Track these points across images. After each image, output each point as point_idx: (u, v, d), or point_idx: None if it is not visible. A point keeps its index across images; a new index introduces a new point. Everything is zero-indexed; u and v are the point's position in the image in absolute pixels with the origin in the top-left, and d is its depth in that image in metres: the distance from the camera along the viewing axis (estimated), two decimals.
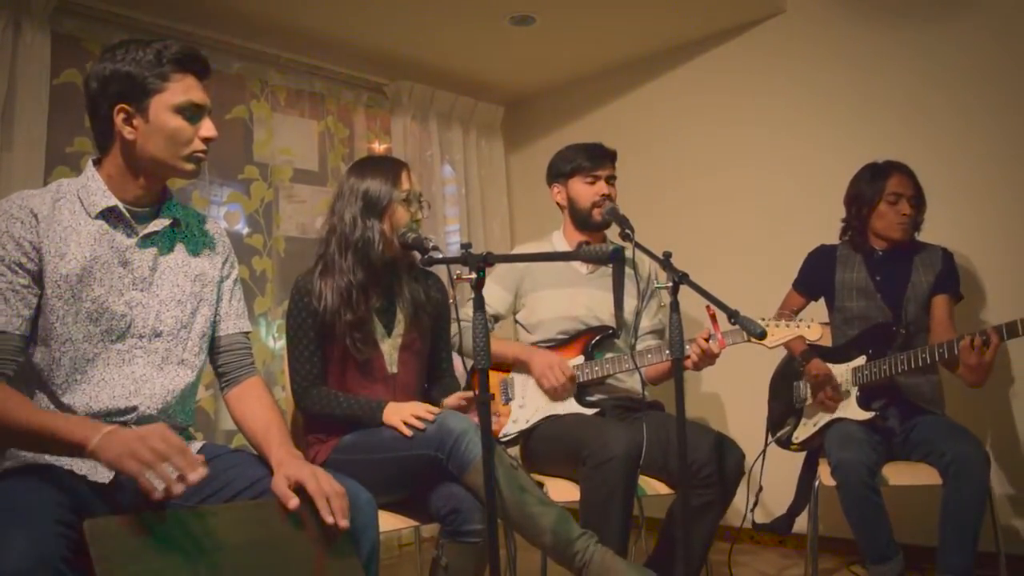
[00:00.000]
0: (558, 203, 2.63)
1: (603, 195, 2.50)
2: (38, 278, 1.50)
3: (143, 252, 1.60)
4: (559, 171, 2.60)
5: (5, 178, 2.67)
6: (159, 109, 1.55)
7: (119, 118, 1.55)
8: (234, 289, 1.78)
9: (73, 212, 1.55)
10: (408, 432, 1.88)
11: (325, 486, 1.48)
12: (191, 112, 1.57)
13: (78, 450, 1.34)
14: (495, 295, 2.58)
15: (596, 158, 2.54)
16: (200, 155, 1.61)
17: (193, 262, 1.69)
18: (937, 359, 2.32)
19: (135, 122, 1.55)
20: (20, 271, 1.48)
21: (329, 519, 1.45)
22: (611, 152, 2.59)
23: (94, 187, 1.58)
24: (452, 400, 2.06)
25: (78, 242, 1.53)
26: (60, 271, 1.50)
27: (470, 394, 2.04)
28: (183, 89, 1.56)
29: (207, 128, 1.60)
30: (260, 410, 1.70)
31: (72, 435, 1.34)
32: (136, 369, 1.57)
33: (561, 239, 2.65)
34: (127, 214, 1.59)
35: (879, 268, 2.61)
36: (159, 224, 1.63)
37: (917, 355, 2.34)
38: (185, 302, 1.65)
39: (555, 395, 2.42)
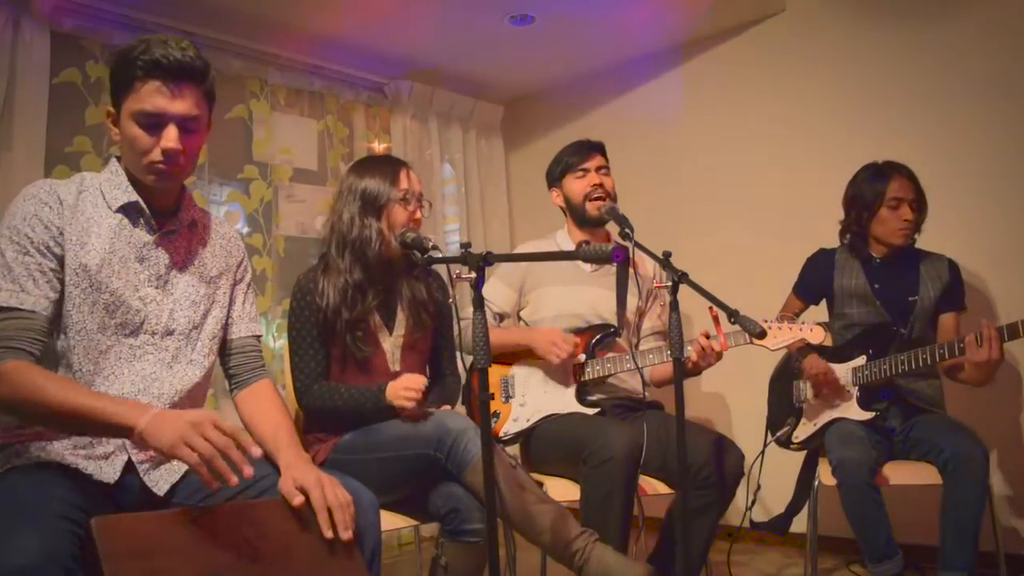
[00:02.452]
0: (559, 206, 2.64)
1: (594, 185, 2.51)
2: (63, 263, 1.50)
3: (160, 250, 1.61)
4: (552, 175, 2.62)
5: (5, 178, 2.67)
6: (124, 115, 1.52)
7: (108, 120, 1.56)
8: (247, 292, 1.78)
9: (95, 204, 1.56)
10: (410, 405, 1.89)
11: (330, 496, 1.48)
12: (147, 120, 1.50)
13: (125, 432, 1.35)
14: (500, 293, 2.58)
15: (581, 152, 2.56)
16: (160, 167, 1.52)
17: (208, 263, 1.69)
18: (937, 359, 2.31)
19: (117, 125, 1.55)
20: (48, 254, 1.49)
21: (328, 534, 1.45)
22: (596, 143, 2.60)
23: (117, 181, 1.58)
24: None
25: (98, 234, 1.53)
26: (80, 260, 1.51)
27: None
28: (140, 96, 1.49)
29: (166, 139, 1.50)
30: (269, 412, 1.70)
31: (117, 417, 1.35)
32: (146, 366, 1.57)
33: (565, 237, 2.65)
34: (147, 211, 1.59)
35: (878, 275, 2.60)
36: (177, 223, 1.64)
37: (917, 355, 2.33)
38: (199, 302, 1.65)
39: (563, 367, 2.41)
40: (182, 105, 1.51)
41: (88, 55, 2.94)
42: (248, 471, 1.34)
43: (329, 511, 1.48)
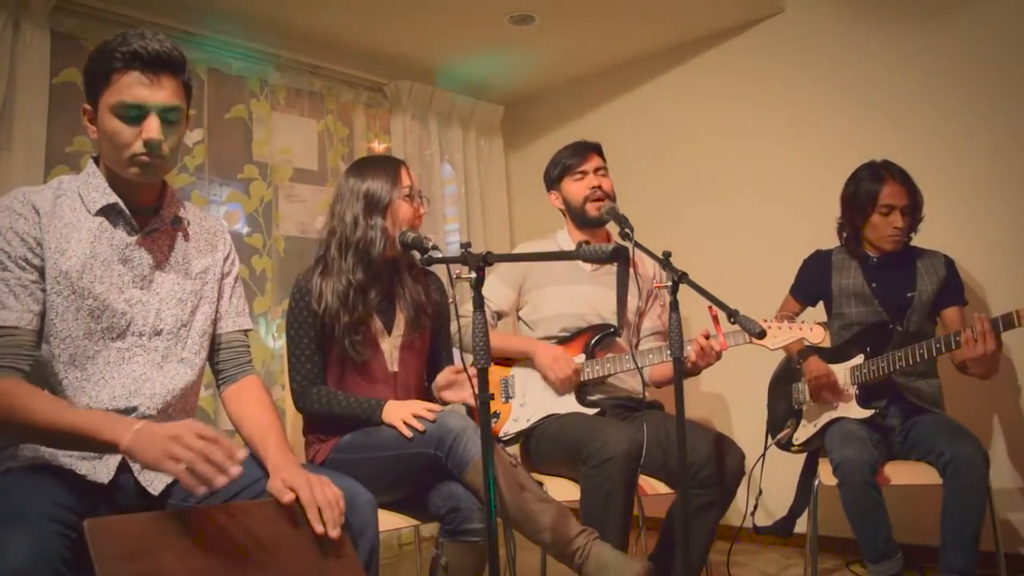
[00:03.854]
0: (559, 208, 2.65)
1: (593, 187, 2.52)
2: (43, 274, 1.49)
3: (143, 250, 1.59)
4: (551, 177, 2.63)
5: (5, 178, 2.67)
6: (102, 110, 1.49)
7: (85, 119, 1.54)
8: (235, 286, 1.76)
9: (74, 209, 1.54)
10: (408, 432, 1.88)
11: (318, 495, 1.46)
12: (128, 112, 1.47)
13: (111, 449, 1.35)
14: (499, 292, 2.58)
15: (579, 154, 2.56)
16: (143, 158, 1.49)
17: (194, 259, 1.67)
18: (934, 354, 2.32)
19: (95, 123, 1.53)
20: (27, 267, 1.47)
21: (319, 528, 1.44)
22: (593, 144, 2.60)
23: (95, 184, 1.56)
24: (442, 377, 2.06)
25: (79, 239, 1.52)
26: (60, 267, 1.49)
27: (460, 368, 2.02)
28: (119, 88, 1.47)
29: (148, 129, 1.47)
30: (258, 413, 1.68)
31: (101, 434, 1.34)
32: (136, 368, 1.56)
33: (566, 237, 2.65)
34: (127, 211, 1.57)
35: (875, 274, 2.60)
36: (160, 221, 1.62)
37: (915, 351, 2.34)
38: (186, 300, 1.64)
39: (560, 388, 2.41)
40: (162, 95, 1.49)
41: (88, 54, 2.93)
42: (234, 471, 1.31)
43: (319, 509, 1.46)
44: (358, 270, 2.05)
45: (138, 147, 1.49)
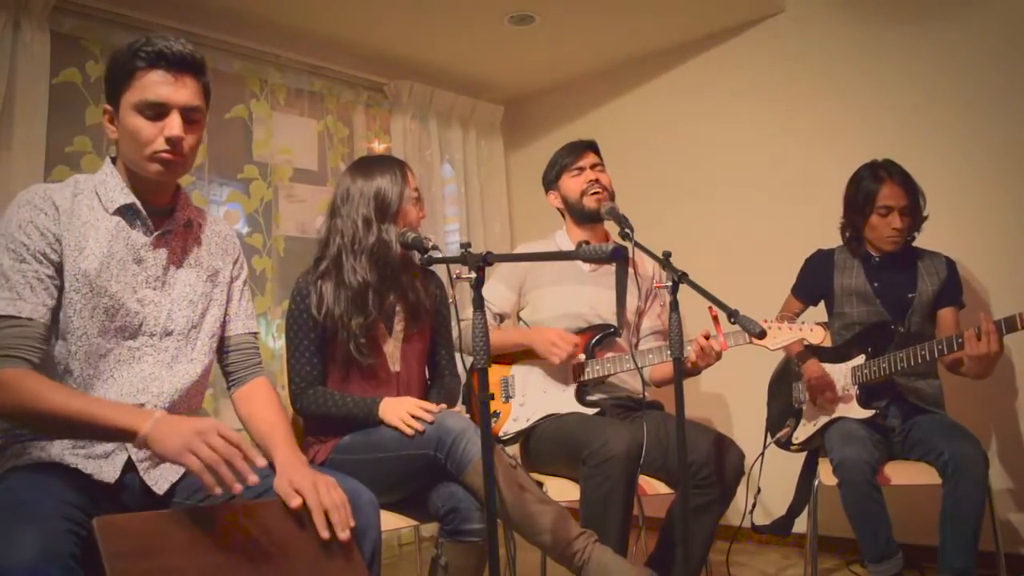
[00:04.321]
0: (557, 208, 2.65)
1: (591, 181, 2.52)
2: (60, 270, 1.50)
3: (157, 251, 1.61)
4: (549, 178, 2.64)
5: (5, 178, 2.67)
6: (124, 108, 1.52)
7: (105, 119, 1.56)
8: (244, 289, 1.78)
9: (91, 208, 1.55)
10: (409, 431, 1.88)
11: (324, 498, 1.47)
12: (150, 110, 1.50)
13: (127, 437, 1.36)
14: (500, 294, 2.58)
15: (575, 151, 2.59)
16: (165, 155, 1.52)
17: (206, 262, 1.69)
18: (936, 355, 2.31)
19: (115, 122, 1.55)
20: (45, 261, 1.48)
21: (324, 534, 1.44)
22: (589, 142, 2.62)
23: (112, 183, 1.57)
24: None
25: (96, 238, 1.53)
26: (79, 266, 1.50)
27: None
28: (143, 86, 1.50)
29: (170, 126, 1.51)
30: (266, 411, 1.70)
31: (117, 421, 1.35)
32: (145, 367, 1.57)
33: (565, 237, 2.65)
34: (143, 212, 1.58)
35: (877, 274, 2.60)
36: (174, 223, 1.63)
37: (916, 352, 2.33)
38: (196, 302, 1.65)
39: (566, 364, 2.40)
40: (185, 94, 1.53)
41: (88, 55, 2.94)
42: (253, 479, 1.34)
43: (326, 512, 1.47)
44: (373, 273, 2.04)
45: (160, 144, 1.52)
